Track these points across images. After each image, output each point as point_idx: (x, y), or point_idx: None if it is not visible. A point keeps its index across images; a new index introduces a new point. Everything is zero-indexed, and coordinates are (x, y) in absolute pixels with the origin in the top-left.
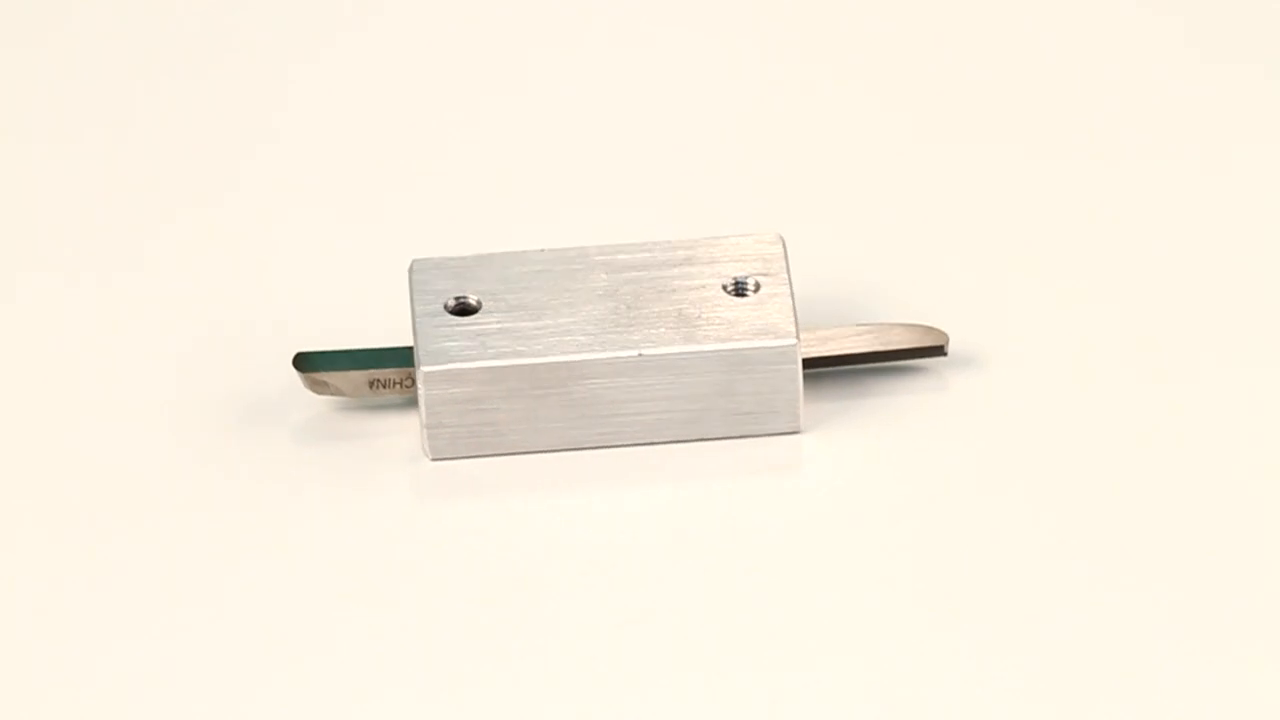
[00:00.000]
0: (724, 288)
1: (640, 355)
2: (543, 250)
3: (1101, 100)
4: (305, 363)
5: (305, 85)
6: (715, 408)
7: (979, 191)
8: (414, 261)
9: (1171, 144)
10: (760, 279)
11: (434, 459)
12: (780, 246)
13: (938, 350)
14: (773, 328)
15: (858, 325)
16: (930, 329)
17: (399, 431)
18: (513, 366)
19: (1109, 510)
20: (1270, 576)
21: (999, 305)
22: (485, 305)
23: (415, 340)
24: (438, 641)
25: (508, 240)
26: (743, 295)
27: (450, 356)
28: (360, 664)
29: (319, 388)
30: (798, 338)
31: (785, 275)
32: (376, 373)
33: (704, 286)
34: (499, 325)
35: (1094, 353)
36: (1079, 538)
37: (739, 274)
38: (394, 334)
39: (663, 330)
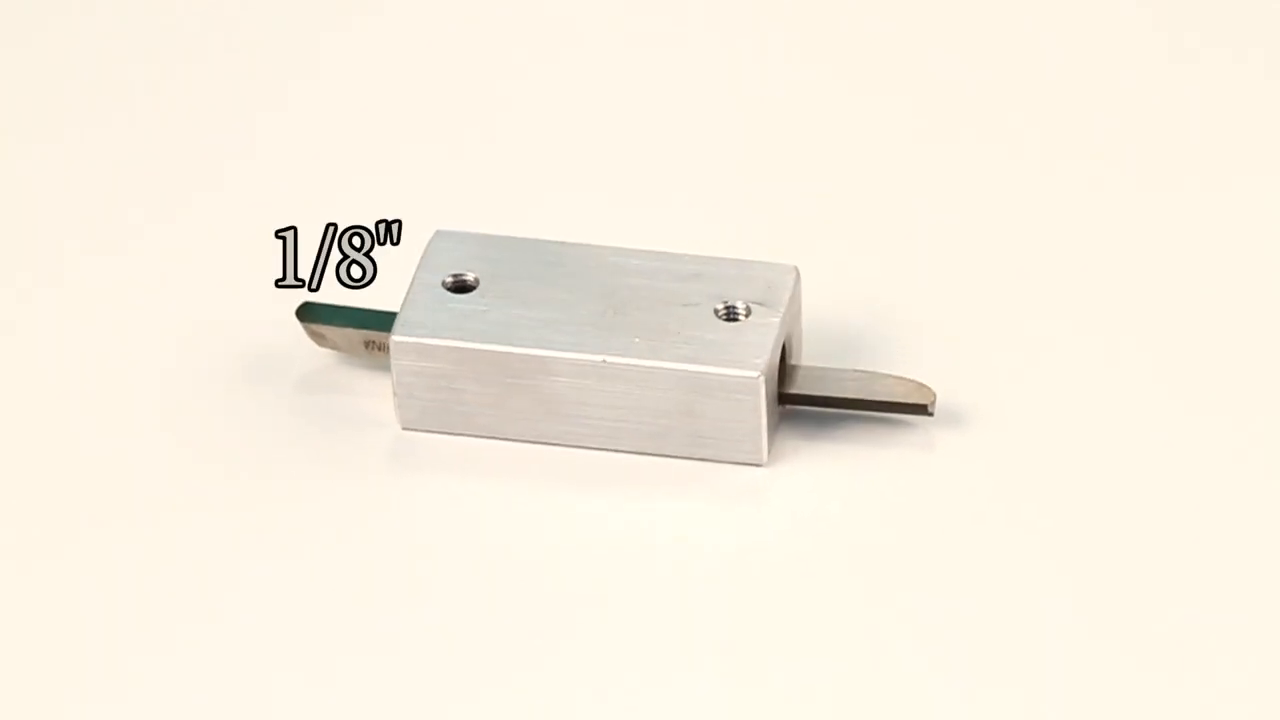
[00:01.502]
0: (715, 310)
1: (605, 361)
2: (563, 243)
3: (1110, 158)
4: (307, 313)
5: (353, 49)
6: (677, 427)
7: (1021, 238)
8: (438, 231)
9: (1176, 203)
10: (756, 307)
11: (404, 428)
12: (791, 279)
13: (922, 409)
14: (743, 358)
15: (855, 370)
16: (921, 386)
17: (386, 395)
18: (480, 351)
19: (1050, 555)
20: (1263, 633)
21: (1012, 365)
22: (482, 286)
23: (401, 308)
24: (347, 606)
25: (558, 229)
26: (733, 320)
27: (424, 330)
28: (290, 622)
29: (319, 340)
30: (765, 372)
31: (781, 308)
32: (371, 334)
33: (698, 305)
34: (485, 308)
35: (1079, 417)
36: (1021, 586)
37: (737, 298)
38: None
39: (636, 341)
